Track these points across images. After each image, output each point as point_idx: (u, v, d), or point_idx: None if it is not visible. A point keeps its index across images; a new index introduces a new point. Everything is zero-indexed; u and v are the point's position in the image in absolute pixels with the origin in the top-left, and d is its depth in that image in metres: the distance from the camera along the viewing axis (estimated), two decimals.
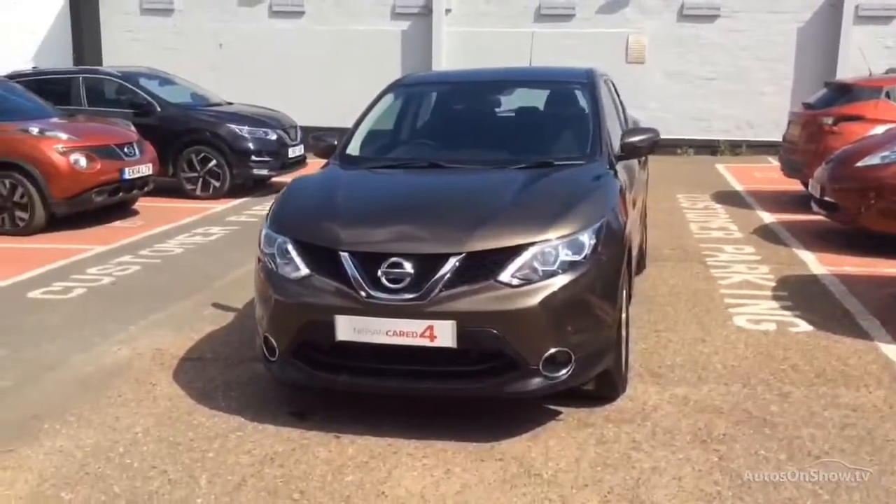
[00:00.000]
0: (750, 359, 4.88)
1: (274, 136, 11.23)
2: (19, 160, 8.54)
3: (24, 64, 14.28)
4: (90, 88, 11.50)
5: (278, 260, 4.00)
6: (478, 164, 4.74)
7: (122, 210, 9.85)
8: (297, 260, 3.91)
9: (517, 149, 4.90)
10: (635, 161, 5.46)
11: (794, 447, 3.75)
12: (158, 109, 11.15)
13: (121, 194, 9.37)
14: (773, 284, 6.50)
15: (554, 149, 4.87)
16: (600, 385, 4.13)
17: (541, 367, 3.68)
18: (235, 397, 4.39)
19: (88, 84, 11.52)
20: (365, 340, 3.71)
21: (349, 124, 5.39)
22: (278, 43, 16.27)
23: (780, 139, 11.16)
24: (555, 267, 3.72)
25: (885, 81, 10.10)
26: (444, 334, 3.61)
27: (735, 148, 15.40)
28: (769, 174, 12.64)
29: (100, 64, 15.95)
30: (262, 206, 9.77)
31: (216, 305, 6.05)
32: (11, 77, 11.23)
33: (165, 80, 12.15)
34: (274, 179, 11.69)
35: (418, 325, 3.63)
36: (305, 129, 10.93)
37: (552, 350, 3.68)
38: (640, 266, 6.74)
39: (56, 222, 8.83)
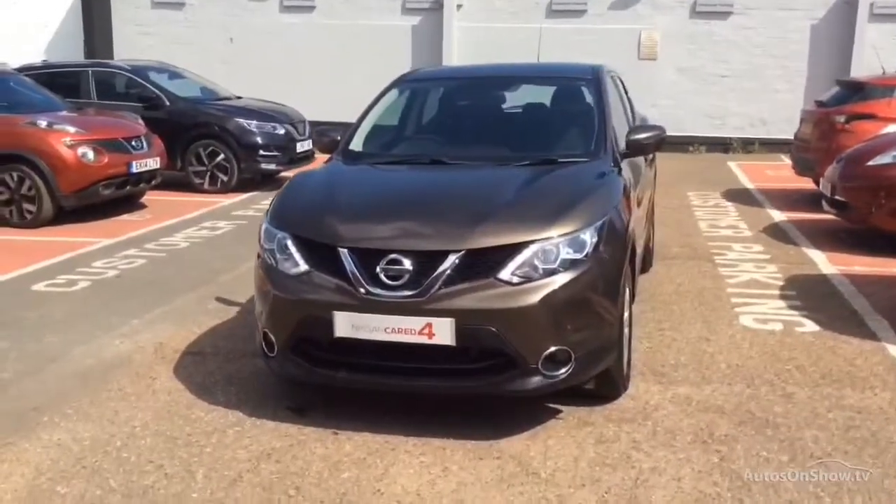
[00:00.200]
0: (755, 359, 4.83)
1: (282, 131, 11.23)
2: (27, 153, 8.56)
3: (37, 57, 14.34)
4: (100, 82, 11.52)
5: (278, 255, 3.97)
6: (481, 160, 4.70)
7: (129, 203, 9.87)
8: (297, 256, 3.89)
9: (521, 146, 4.86)
10: (641, 158, 5.41)
11: (795, 449, 3.71)
12: (167, 103, 11.15)
13: (128, 188, 9.38)
14: (782, 284, 6.44)
15: (558, 146, 4.83)
16: (601, 384, 4.09)
17: (540, 366, 3.65)
18: (235, 392, 4.37)
19: (98, 78, 11.54)
20: (363, 337, 3.69)
21: None
22: (288, 37, 16.27)
23: (793, 137, 11.06)
24: (555, 265, 3.69)
25: None
26: (443, 332, 3.58)
27: (748, 146, 15.28)
28: (781, 172, 12.52)
29: (111, 57, 15.99)
30: (269, 201, 9.73)
31: (220, 300, 6.04)
32: (22, 70, 11.27)
33: (175, 74, 12.16)
34: (283, 174, 11.69)
35: (417, 322, 3.60)
36: (315, 124, 10.88)
37: (552, 349, 3.65)
38: (647, 264, 6.70)
39: (64, 215, 8.86)
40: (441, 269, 3.62)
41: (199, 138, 11.01)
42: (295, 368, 3.93)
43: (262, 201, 10.24)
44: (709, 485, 3.40)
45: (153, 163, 9.60)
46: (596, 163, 4.52)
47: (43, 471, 3.54)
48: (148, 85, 11.35)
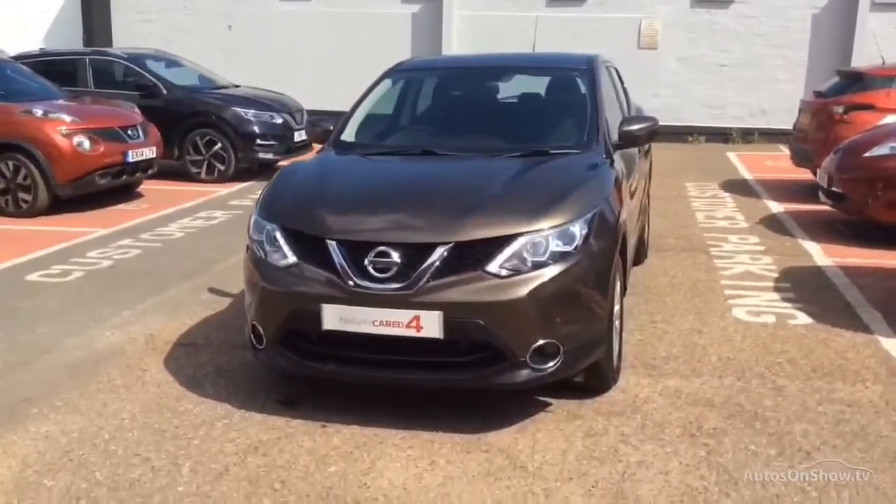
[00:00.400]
0: (746, 351, 4.82)
1: (279, 120, 11.19)
2: (22, 142, 8.54)
3: (36, 45, 14.29)
4: (97, 70, 11.48)
5: (267, 247, 3.96)
6: (472, 151, 4.68)
7: (126, 193, 9.85)
8: (285, 248, 3.88)
9: (513, 137, 4.84)
10: (635, 150, 5.38)
11: (784, 442, 3.70)
12: (164, 92, 11.12)
13: (124, 177, 9.35)
14: (776, 276, 6.42)
15: (550, 137, 4.80)
16: (590, 377, 4.09)
17: (528, 359, 3.64)
18: (224, 384, 4.37)
19: (95, 66, 11.50)
20: (351, 330, 3.68)
21: None
22: (288, 25, 16.19)
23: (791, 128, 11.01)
24: (544, 258, 3.67)
25: None
26: (431, 325, 3.57)
27: (747, 136, 15.22)
28: (780, 163, 12.48)
29: (110, 45, 15.93)
30: None
31: (213, 290, 6.04)
32: (18, 58, 11.23)
33: (172, 63, 12.12)
34: (281, 163, 11.66)
35: (405, 315, 3.59)
36: (314, 113, 10.89)
37: (540, 342, 3.64)
38: (642, 256, 6.68)
39: (60, 204, 8.84)
40: (429, 261, 3.60)
41: (197, 127, 10.99)
42: (283, 361, 3.93)
43: (259, 191, 10.14)
44: (696, 478, 3.40)
45: (149, 152, 9.57)
46: (588, 154, 4.50)
47: (30, 463, 3.54)
48: (145, 73, 11.31)
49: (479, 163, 4.53)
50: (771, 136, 14.77)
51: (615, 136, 4.77)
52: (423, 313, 3.56)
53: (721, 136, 15.29)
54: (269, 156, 11.16)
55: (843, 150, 7.82)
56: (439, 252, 3.61)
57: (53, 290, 6.11)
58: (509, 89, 5.41)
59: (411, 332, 3.60)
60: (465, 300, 3.55)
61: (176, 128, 10.82)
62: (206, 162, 11.00)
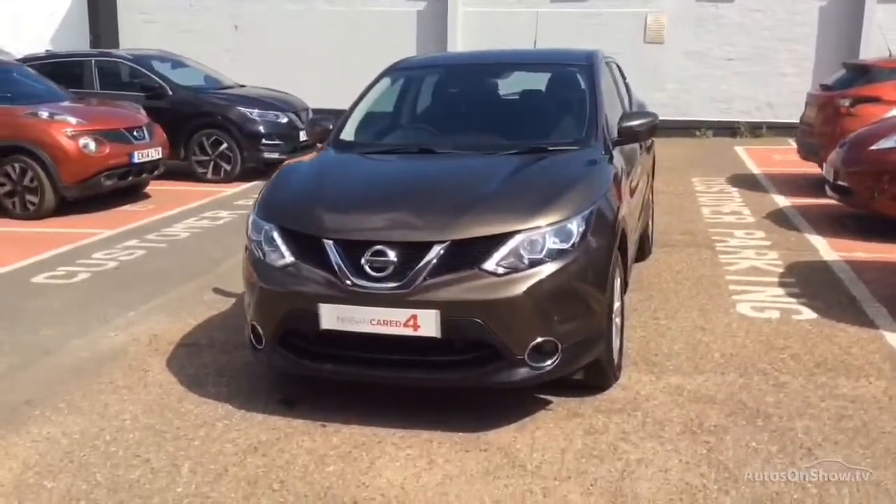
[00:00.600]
0: (749, 347, 4.79)
1: (285, 119, 11.21)
2: (29, 144, 8.58)
3: (43, 47, 14.36)
4: (103, 72, 11.53)
5: (265, 247, 3.97)
6: (471, 149, 4.67)
7: (133, 194, 9.89)
8: (283, 247, 3.88)
9: (511, 134, 4.82)
10: (637, 146, 5.35)
11: (786, 439, 3.68)
12: (170, 92, 11.15)
13: (130, 178, 9.38)
14: (781, 271, 6.38)
15: (548, 134, 4.78)
16: (590, 374, 4.07)
17: (527, 357, 3.63)
18: (226, 384, 4.38)
19: (101, 67, 11.54)
20: (349, 329, 3.68)
21: None
22: (293, 24, 16.20)
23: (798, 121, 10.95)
24: (541, 255, 3.66)
25: None
26: (428, 324, 3.57)
27: (755, 130, 15.14)
28: (788, 157, 12.37)
29: (117, 46, 15.98)
30: None
31: (217, 290, 6.05)
32: (25, 61, 11.28)
33: (178, 63, 12.15)
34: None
35: (402, 314, 3.58)
36: (320, 111, 10.85)
37: (538, 340, 3.63)
38: (646, 252, 6.66)
39: (67, 206, 8.87)
40: (426, 260, 3.60)
41: (202, 128, 11.02)
42: (282, 361, 3.94)
43: None
44: (696, 476, 3.38)
45: (155, 153, 9.60)
46: (586, 150, 4.48)
47: (31, 465, 3.56)
48: (150, 74, 11.34)
49: (476, 160, 4.52)
50: (779, 129, 14.67)
51: (615, 132, 4.75)
52: (419, 312, 3.56)
53: (729, 130, 15.22)
54: (275, 155, 11.15)
55: (849, 144, 7.76)
56: (436, 250, 3.60)
57: (58, 292, 6.14)
58: (508, 86, 5.40)
59: (408, 331, 3.59)
60: (461, 299, 3.54)
61: (182, 128, 10.86)
62: (212, 162, 11.03)
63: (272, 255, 3.91)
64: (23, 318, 5.52)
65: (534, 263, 3.64)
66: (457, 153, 4.62)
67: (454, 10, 15.57)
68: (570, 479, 3.38)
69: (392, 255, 3.63)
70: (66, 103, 9.54)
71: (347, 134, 5.04)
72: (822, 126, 9.61)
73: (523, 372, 3.66)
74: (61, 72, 11.17)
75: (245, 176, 11.05)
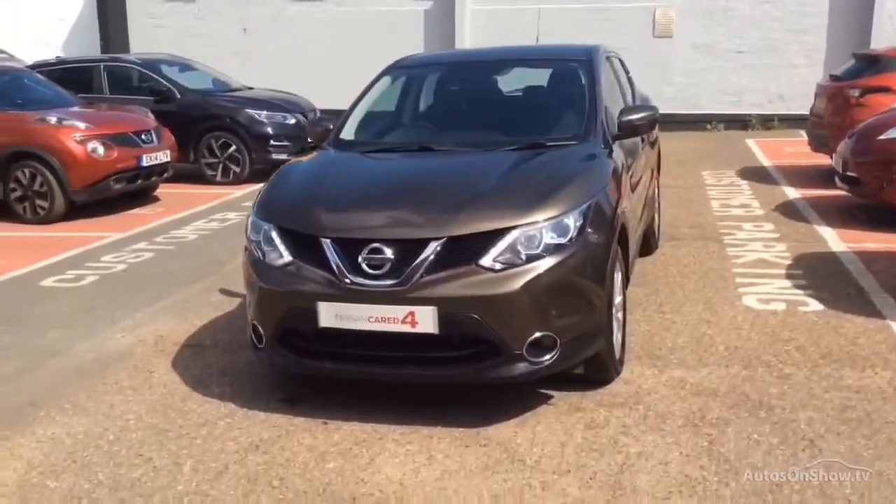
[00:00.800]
0: (754, 340, 4.76)
1: (292, 121, 11.24)
2: (38, 149, 8.66)
3: (55, 53, 14.48)
4: (112, 76, 11.60)
5: (264, 247, 3.99)
6: (470, 146, 4.67)
7: (143, 197, 9.95)
8: (281, 247, 3.90)
9: (510, 130, 4.81)
10: (639, 140, 5.32)
11: (788, 431, 3.65)
12: (178, 96, 11.21)
13: (139, 181, 9.44)
14: (789, 263, 6.34)
15: (547, 129, 4.76)
16: (591, 369, 4.07)
17: (525, 352, 3.63)
18: (229, 384, 4.40)
19: (110, 72, 11.62)
20: (347, 327, 3.69)
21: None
22: (300, 26, 16.25)
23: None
24: (538, 250, 3.65)
25: None
26: (426, 320, 3.57)
27: (767, 122, 15.03)
28: (800, 149, 12.28)
29: (127, 52, 16.09)
30: None
31: (223, 291, 6.08)
32: (34, 67, 11.38)
33: (186, 67, 12.21)
34: None
35: (399, 311, 3.59)
36: (329, 113, 10.89)
37: (536, 335, 3.62)
38: (652, 246, 6.63)
39: (77, 210, 8.94)
40: (422, 256, 3.60)
41: (211, 130, 11.07)
42: (282, 359, 3.96)
43: None
44: (695, 469, 3.37)
45: (164, 156, 9.65)
46: (585, 145, 4.47)
47: (35, 465, 3.59)
48: (159, 78, 11.41)
49: (474, 157, 4.52)
50: (791, 121, 14.56)
51: (616, 127, 4.73)
52: (417, 309, 3.56)
53: (740, 123, 15.12)
54: (283, 156, 11.13)
55: (857, 134, 7.70)
56: (432, 247, 3.61)
57: (67, 295, 6.19)
58: (508, 83, 5.39)
59: (406, 328, 3.60)
60: (458, 295, 3.55)
61: (190, 131, 10.91)
62: (221, 164, 11.08)
63: (271, 254, 3.93)
64: (30, 322, 5.57)
65: (531, 259, 3.63)
66: (455, 150, 4.62)
67: (461, 9, 15.56)
68: (569, 472, 3.38)
69: (389, 253, 3.63)
70: (75, 108, 9.62)
71: (347, 133, 5.06)
72: (831, 117, 9.54)
73: (521, 367, 3.65)
74: (71, 77, 11.26)
75: (254, 177, 11.06)
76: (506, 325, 3.58)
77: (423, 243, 3.62)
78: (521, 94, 5.36)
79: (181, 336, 5.16)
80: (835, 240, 6.99)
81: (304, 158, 4.89)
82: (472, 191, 3.91)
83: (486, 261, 3.60)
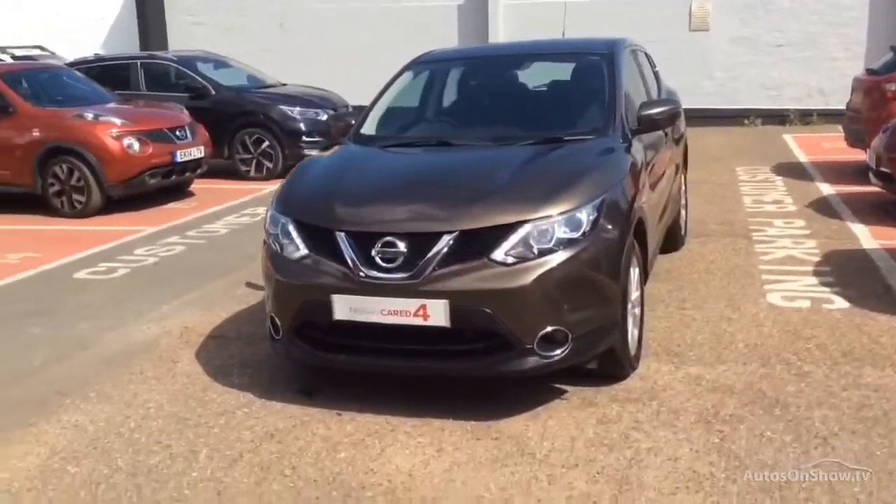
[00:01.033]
0: (775, 337, 4.71)
1: (324, 117, 11.32)
2: (75, 145, 8.88)
3: (94, 50, 14.80)
4: (148, 73, 11.84)
5: (282, 240, 4.05)
6: (488, 141, 4.68)
7: (178, 192, 10.13)
8: (298, 240, 3.96)
9: (529, 125, 4.82)
10: (660, 135, 5.28)
11: (801, 429, 3.62)
12: (213, 93, 11.39)
13: (174, 177, 9.62)
14: (818, 260, 6.25)
15: (566, 124, 4.76)
16: (604, 364, 4.07)
17: (536, 347, 3.65)
18: (249, 374, 4.49)
19: (146, 69, 11.86)
20: (361, 320, 3.74)
21: None
22: (336, 22, 16.34)
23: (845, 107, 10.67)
24: (551, 245, 3.66)
25: None
26: (438, 313, 3.61)
27: (806, 117, 14.78)
28: (837, 144, 12.04)
29: (166, 49, 16.36)
30: None
31: (249, 285, 6.17)
32: (73, 64, 11.64)
33: (221, 64, 12.40)
34: None
35: (412, 304, 3.63)
36: (361, 109, 10.97)
37: (548, 329, 3.64)
38: (678, 243, 6.59)
39: (113, 204, 9.15)
40: (435, 250, 3.63)
41: (245, 126, 11.23)
42: (298, 351, 4.02)
43: None
44: (704, 465, 3.36)
45: (197, 152, 9.82)
46: (603, 140, 4.46)
47: (57, 451, 3.70)
48: (194, 75, 11.60)
49: (491, 152, 4.53)
50: (830, 116, 14.25)
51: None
52: (429, 302, 3.60)
53: (778, 118, 14.88)
54: (315, 152, 11.27)
55: (892, 129, 7.55)
56: (444, 241, 3.64)
57: (98, 287, 6.34)
58: (529, 77, 5.39)
59: (418, 321, 3.64)
60: (470, 288, 3.57)
61: (225, 127, 11.08)
62: (254, 160, 11.23)
63: (288, 247, 3.99)
64: (62, 313, 5.72)
65: (543, 253, 3.64)
66: (473, 145, 4.65)
67: (495, 4, 15.53)
68: (577, 466, 3.39)
69: (402, 246, 3.67)
70: (112, 105, 9.83)
71: (368, 128, 5.11)
72: (868, 112, 9.36)
73: (532, 361, 3.67)
74: (109, 74, 11.53)
75: (286, 173, 11.10)
76: (517, 319, 3.60)
77: (436, 237, 3.65)
78: (540, 88, 5.36)
79: (206, 328, 5.27)
80: (866, 237, 6.87)
81: (325, 153, 4.95)
82: (486, 185, 3.93)
83: (498, 255, 3.62)
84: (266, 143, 11.14)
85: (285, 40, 16.58)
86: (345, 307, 3.74)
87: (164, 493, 3.32)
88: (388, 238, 3.70)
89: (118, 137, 8.96)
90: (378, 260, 3.70)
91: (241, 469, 3.48)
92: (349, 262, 3.74)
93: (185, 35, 16.94)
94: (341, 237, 3.79)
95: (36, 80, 9.96)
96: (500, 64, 5.58)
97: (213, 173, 10.73)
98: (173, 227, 8.43)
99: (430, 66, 5.59)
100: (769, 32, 14.92)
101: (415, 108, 5.44)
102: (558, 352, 3.68)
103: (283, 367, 4.50)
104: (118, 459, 3.60)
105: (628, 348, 4.11)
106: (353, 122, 5.18)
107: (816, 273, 5.92)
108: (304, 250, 3.92)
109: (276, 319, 4.05)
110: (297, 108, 11.29)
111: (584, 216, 3.75)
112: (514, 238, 3.65)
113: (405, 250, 3.67)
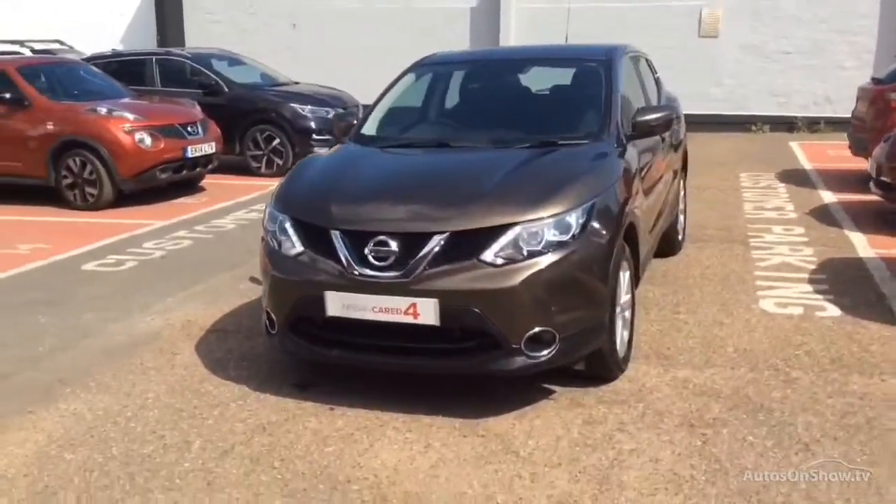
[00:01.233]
0: (765, 343, 4.77)
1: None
2: (88, 139, 9.02)
3: (113, 46, 14.97)
4: (163, 69, 11.98)
5: (279, 237, 4.15)
6: (485, 143, 4.77)
7: (189, 187, 10.27)
8: (294, 238, 4.06)
9: (527, 128, 4.89)
10: (656, 140, 5.33)
11: (783, 434, 3.68)
12: (226, 89, 11.53)
13: (185, 172, 9.75)
14: (813, 267, 6.30)
15: (561, 128, 4.83)
16: (592, 365, 4.14)
17: (523, 347, 3.72)
18: (246, 368, 4.59)
19: (161, 65, 12.00)
20: (353, 316, 3.83)
21: None
22: (348, 22, 16.46)
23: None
24: (540, 247, 3.74)
25: None
26: (427, 312, 3.69)
27: (813, 125, 14.78)
28: (842, 152, 12.03)
29: (183, 46, 16.52)
30: None
31: (253, 280, 6.26)
32: (90, 59, 11.79)
33: (234, 61, 12.54)
34: None
35: (402, 302, 3.72)
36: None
37: (535, 329, 3.72)
38: (675, 248, 6.65)
39: (125, 198, 9.28)
40: (426, 250, 3.72)
41: (256, 123, 11.36)
42: (293, 346, 4.12)
43: None
44: (685, 467, 3.43)
45: (208, 147, 9.95)
46: (597, 144, 4.53)
47: (55, 438, 3.81)
48: (208, 72, 11.74)
49: (486, 154, 4.62)
50: (837, 124, 14.25)
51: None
52: (419, 300, 3.68)
53: (786, 125, 14.89)
54: (326, 149, 11.40)
55: (892, 139, 7.57)
56: (435, 241, 3.72)
57: (106, 279, 6.46)
58: (528, 82, 5.47)
59: (409, 319, 3.73)
60: (459, 288, 3.66)
61: (237, 124, 11.22)
62: (265, 157, 11.36)
63: (285, 244, 4.09)
64: (69, 304, 5.84)
65: (532, 255, 3.72)
66: (470, 147, 4.73)
67: (507, 7, 15.60)
68: (560, 465, 3.47)
69: (394, 245, 3.76)
70: (125, 100, 9.97)
71: (369, 129, 5.20)
72: (872, 120, 9.39)
73: (520, 361, 3.75)
74: (125, 70, 11.68)
75: None
76: (505, 319, 3.68)
77: (427, 237, 3.74)
78: (539, 93, 5.44)
79: (208, 321, 5.37)
80: (864, 245, 6.91)
81: (324, 152, 5.05)
82: (478, 187, 4.01)
83: (488, 256, 3.70)
84: (277, 140, 11.27)
85: (298, 40, 16.71)
86: (338, 304, 3.83)
87: (155, 482, 3.42)
88: (381, 237, 3.79)
89: (130, 132, 9.09)
90: (371, 258, 3.79)
91: (231, 460, 3.58)
92: (343, 260, 3.83)
93: (202, 33, 17.11)
94: (336, 235, 3.88)
95: (52, 74, 10.11)
96: (500, 68, 5.67)
97: (225, 169, 10.85)
98: (182, 221, 8.56)
99: (432, 69, 5.68)
100: (778, 40, 14.93)
101: (416, 109, 5.53)
102: (545, 352, 3.76)
103: (279, 362, 4.60)
104: (113, 448, 3.71)
105: (616, 351, 4.18)
106: (355, 121, 5.26)
107: (811, 280, 5.97)
108: (300, 247, 4.01)
109: (272, 314, 4.15)
110: (309, 107, 11.40)
111: (574, 219, 3.83)
112: (504, 240, 3.73)
113: (397, 250, 3.76)
